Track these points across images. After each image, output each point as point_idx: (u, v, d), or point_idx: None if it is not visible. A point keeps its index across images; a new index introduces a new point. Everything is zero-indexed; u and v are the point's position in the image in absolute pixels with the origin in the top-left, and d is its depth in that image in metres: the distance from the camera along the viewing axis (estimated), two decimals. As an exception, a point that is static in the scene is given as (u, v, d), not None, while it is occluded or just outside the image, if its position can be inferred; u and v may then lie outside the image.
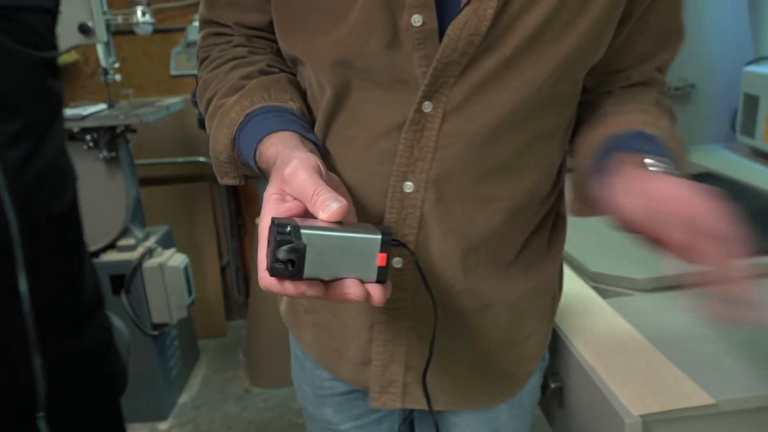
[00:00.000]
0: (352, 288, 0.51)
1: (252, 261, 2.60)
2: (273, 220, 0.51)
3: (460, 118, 0.60)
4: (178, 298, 2.05)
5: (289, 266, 0.49)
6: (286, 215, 0.53)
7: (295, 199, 0.54)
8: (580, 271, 0.98)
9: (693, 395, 0.66)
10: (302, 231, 0.50)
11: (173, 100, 2.13)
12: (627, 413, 0.64)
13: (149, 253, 2.05)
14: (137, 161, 2.19)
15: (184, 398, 2.31)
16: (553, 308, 0.77)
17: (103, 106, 2.01)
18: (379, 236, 0.53)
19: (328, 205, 0.51)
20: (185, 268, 2.07)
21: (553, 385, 0.81)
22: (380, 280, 0.53)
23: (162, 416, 2.18)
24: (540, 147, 0.64)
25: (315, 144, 0.64)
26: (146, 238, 2.14)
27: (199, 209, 2.65)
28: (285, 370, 2.33)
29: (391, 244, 0.54)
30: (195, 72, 2.17)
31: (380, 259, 0.53)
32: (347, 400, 0.78)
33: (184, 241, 2.44)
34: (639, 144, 0.59)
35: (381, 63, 0.59)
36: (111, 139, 1.95)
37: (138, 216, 2.14)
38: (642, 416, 0.64)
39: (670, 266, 0.91)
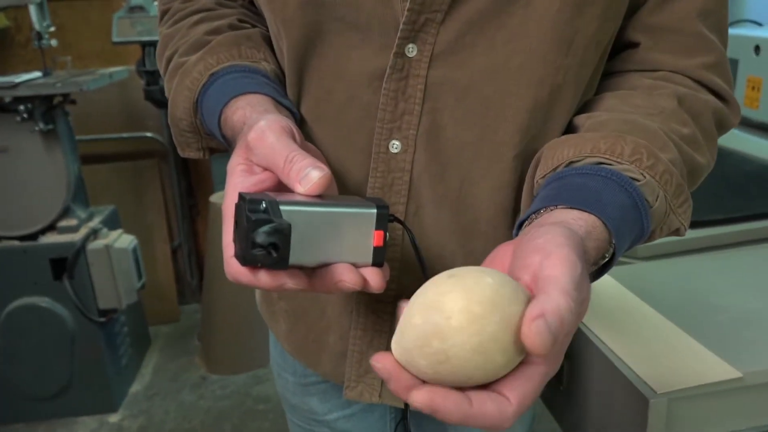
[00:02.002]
0: (345, 274, 0.43)
1: (205, 242, 2.47)
2: (242, 195, 0.41)
3: (450, 63, 0.50)
4: (126, 282, 1.91)
5: (272, 252, 0.39)
6: (256, 190, 0.44)
7: (266, 169, 0.45)
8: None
9: (718, 369, 0.60)
10: (282, 207, 0.41)
11: (116, 69, 1.97)
12: (650, 392, 0.58)
13: (93, 234, 1.90)
14: (79, 137, 2.03)
15: (135, 388, 2.18)
16: None
17: (38, 74, 1.83)
18: (374, 210, 0.44)
19: (306, 175, 0.43)
20: (134, 250, 1.93)
21: (554, 363, 0.74)
22: (377, 263, 0.45)
23: (112, 407, 2.05)
24: (557, 102, 0.52)
25: (291, 112, 0.54)
26: (90, 218, 1.98)
27: (148, 188, 2.50)
28: (243, 355, 2.24)
29: (387, 218, 0.45)
30: (139, 39, 2.04)
31: (376, 237, 0.45)
32: (333, 387, 0.70)
33: (131, 223, 2.29)
34: (595, 194, 0.43)
35: None
36: (47, 110, 1.78)
37: (80, 195, 1.98)
38: (667, 394, 0.58)
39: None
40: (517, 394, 0.34)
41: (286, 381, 0.73)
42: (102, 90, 2.35)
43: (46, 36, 1.80)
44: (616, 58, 0.56)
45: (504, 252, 0.41)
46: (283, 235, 0.39)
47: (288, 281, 0.41)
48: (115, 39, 2.00)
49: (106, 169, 2.42)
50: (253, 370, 2.23)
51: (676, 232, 0.50)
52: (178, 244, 2.62)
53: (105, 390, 2.02)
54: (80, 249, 1.84)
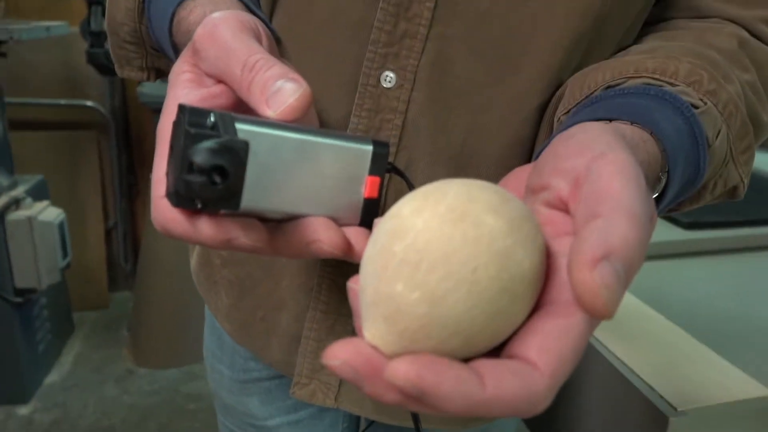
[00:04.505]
0: (322, 231, 0.31)
1: (143, 224, 2.29)
2: (182, 106, 0.29)
3: None
4: (49, 260, 1.72)
5: (216, 180, 0.27)
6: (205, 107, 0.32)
7: (220, 82, 0.33)
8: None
9: (744, 385, 0.51)
10: (238, 125, 0.28)
11: (55, 23, 1.79)
12: (669, 409, 0.48)
13: (15, 203, 1.71)
14: (9, 99, 1.83)
15: (52, 378, 1.98)
16: None
17: (-37, 19, 1.64)
18: (370, 147, 0.32)
19: (278, 90, 0.30)
20: (60, 225, 1.74)
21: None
22: (367, 222, 0.33)
23: (23, 398, 1.84)
24: (598, 40, 0.41)
25: (264, 23, 0.42)
26: (13, 186, 1.79)
27: (84, 162, 2.29)
28: (176, 349, 2.06)
29: (387, 162, 0.33)
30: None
31: (369, 185, 0.32)
32: (279, 386, 0.57)
33: (63, 198, 2.09)
34: (638, 108, 0.32)
35: None
36: (-29, 59, 1.59)
37: (5, 160, 1.78)
38: (690, 412, 0.48)
39: (666, 232, 0.75)
40: (550, 357, 0.21)
41: (221, 375, 0.60)
42: (40, 50, 2.16)
43: (-23, -22, 1.60)
44: (659, 5, 0.46)
45: (520, 174, 0.29)
46: (235, 156, 0.27)
47: (240, 234, 0.29)
48: (58, -8, 1.82)
49: (38, 137, 2.21)
50: (186, 365, 2.06)
51: (733, 191, 0.40)
52: (113, 224, 2.43)
53: (16, 378, 1.82)
54: (-2, 219, 1.65)
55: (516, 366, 0.21)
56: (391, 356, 0.21)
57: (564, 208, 0.25)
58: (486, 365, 0.20)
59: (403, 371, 0.19)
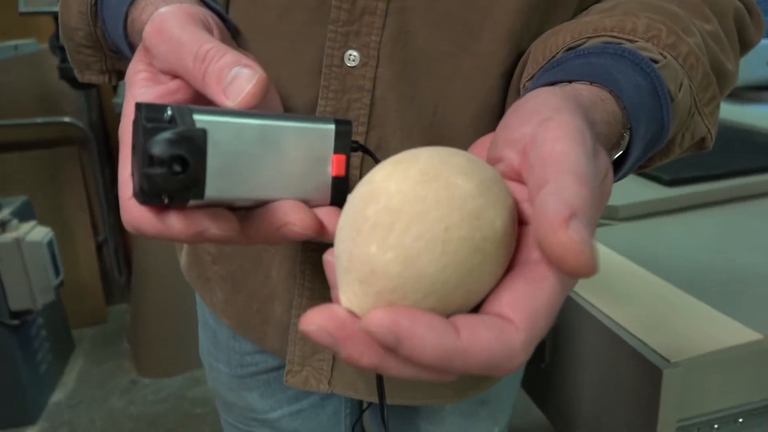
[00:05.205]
0: (292, 213, 0.30)
1: (134, 236, 2.28)
2: (139, 104, 0.29)
3: None
4: (41, 279, 1.71)
5: (177, 169, 0.26)
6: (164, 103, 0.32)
7: (176, 78, 0.33)
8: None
9: (735, 332, 0.52)
10: (196, 116, 0.28)
11: (23, 41, 1.77)
12: (662, 362, 0.48)
13: (2, 226, 1.69)
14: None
15: (57, 397, 1.97)
16: None
17: (-71, 45, 1.62)
18: (332, 125, 0.32)
19: (234, 79, 0.30)
20: (49, 243, 1.73)
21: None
22: (338, 200, 0.33)
23: (29, 420, 1.84)
24: (556, 3, 0.42)
25: (222, 18, 0.41)
26: (-2, 209, 1.78)
27: (67, 179, 2.28)
28: (178, 356, 2.07)
29: (351, 140, 0.33)
30: (51, 9, 1.84)
31: (335, 164, 0.32)
32: (277, 378, 0.57)
33: (49, 217, 2.08)
34: (600, 69, 0.32)
35: None
36: (-58, 85, 1.57)
37: (-14, 184, 1.77)
38: (683, 363, 0.48)
39: (648, 191, 0.76)
40: (524, 312, 0.21)
41: (218, 373, 0.60)
42: (10, 70, 2.14)
43: (-61, 2, 1.58)
44: None
45: (483, 144, 0.30)
46: (194, 145, 0.27)
47: (210, 226, 0.28)
48: (23, 9, 1.79)
49: (19, 158, 2.19)
50: (189, 371, 2.06)
51: (701, 143, 0.40)
52: (103, 239, 2.41)
53: (21, 401, 1.82)
54: (-14, 243, 1.64)
55: (492, 320, 0.21)
56: None
57: (519, 178, 0.25)
58: (461, 318, 0.21)
59: (378, 318, 0.20)
